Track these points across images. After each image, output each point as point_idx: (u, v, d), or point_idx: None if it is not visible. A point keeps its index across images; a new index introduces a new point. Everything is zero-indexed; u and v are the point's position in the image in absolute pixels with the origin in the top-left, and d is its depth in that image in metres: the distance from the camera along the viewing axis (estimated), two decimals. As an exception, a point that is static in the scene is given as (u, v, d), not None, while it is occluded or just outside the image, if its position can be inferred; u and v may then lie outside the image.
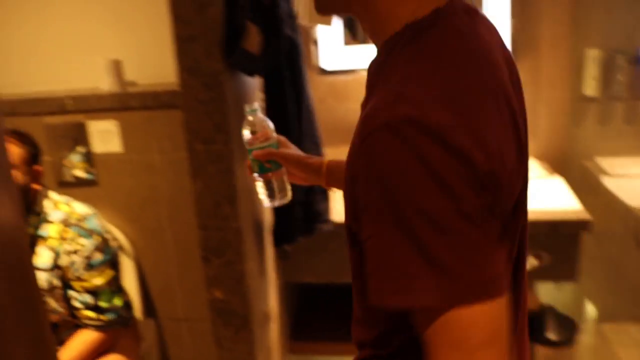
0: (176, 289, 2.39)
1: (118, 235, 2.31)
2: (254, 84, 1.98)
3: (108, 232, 2.07)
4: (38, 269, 1.88)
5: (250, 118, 1.25)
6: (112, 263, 1.98)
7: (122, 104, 2.20)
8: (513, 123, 0.78)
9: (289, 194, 1.29)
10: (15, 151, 1.88)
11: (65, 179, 2.34)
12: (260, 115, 1.27)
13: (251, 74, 1.84)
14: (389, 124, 0.69)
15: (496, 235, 0.72)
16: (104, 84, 2.24)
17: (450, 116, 0.69)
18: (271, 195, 1.27)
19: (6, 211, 0.99)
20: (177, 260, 2.32)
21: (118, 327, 1.98)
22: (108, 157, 2.29)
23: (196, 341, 2.44)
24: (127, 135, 2.24)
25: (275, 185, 1.26)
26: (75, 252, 1.88)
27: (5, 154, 1.03)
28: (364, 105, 0.84)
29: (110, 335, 1.97)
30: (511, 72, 0.85)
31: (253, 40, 1.70)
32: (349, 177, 0.76)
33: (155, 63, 2.22)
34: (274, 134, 1.26)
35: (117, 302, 1.96)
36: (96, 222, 1.96)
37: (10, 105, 2.34)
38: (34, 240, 1.90)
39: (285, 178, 1.27)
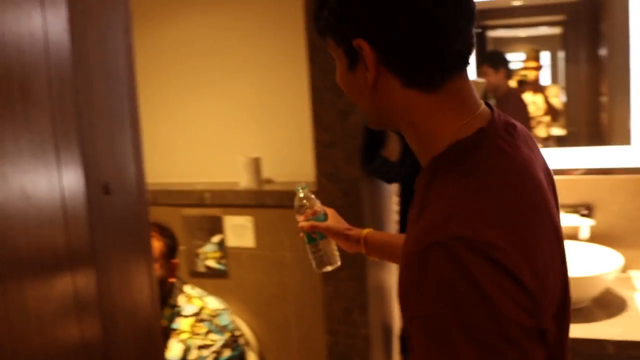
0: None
1: (244, 328, 2.33)
2: (390, 189, 1.97)
3: (238, 329, 2.09)
4: None
5: (300, 195, 1.38)
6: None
7: (258, 201, 2.26)
8: (556, 235, 0.82)
9: (338, 260, 1.39)
10: (155, 245, 1.96)
11: (197, 269, 2.42)
12: (309, 192, 1.40)
13: (389, 181, 1.83)
14: (441, 243, 0.71)
15: (536, 356, 0.73)
16: (242, 180, 2.31)
17: (500, 234, 0.72)
18: (321, 262, 1.37)
19: (145, 299, 1.02)
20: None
21: None
22: (240, 251, 2.34)
23: None
24: (260, 231, 2.29)
25: (322, 253, 1.36)
26: (205, 347, 1.90)
27: (149, 245, 1.06)
28: (414, 218, 0.85)
29: None
30: (549, 180, 0.91)
31: (393, 147, 1.71)
32: (400, 288, 0.79)
33: (293, 162, 2.28)
34: (321, 209, 1.38)
35: None
36: (228, 318, 1.98)
37: (152, 195, 2.46)
38: (167, 332, 1.94)
39: (333, 246, 1.37)
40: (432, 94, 0.83)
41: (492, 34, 2.45)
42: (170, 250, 2.02)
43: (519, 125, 0.91)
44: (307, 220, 1.35)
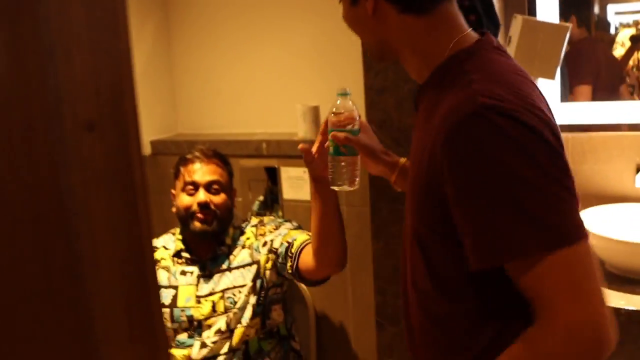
0: (350, 348, 2.27)
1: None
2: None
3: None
4: (233, 268, 1.94)
5: (339, 101, 1.29)
6: None
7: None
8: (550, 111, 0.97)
9: (357, 183, 1.30)
10: (223, 172, 1.97)
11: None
12: (350, 100, 1.30)
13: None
14: (477, 112, 0.85)
15: (574, 193, 0.87)
16: (300, 129, 2.21)
17: (520, 104, 0.86)
18: (339, 179, 1.28)
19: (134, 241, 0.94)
20: (355, 319, 2.20)
21: None
22: (297, 204, 2.26)
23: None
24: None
25: (345, 170, 1.27)
26: (275, 229, 1.94)
27: (143, 184, 0.98)
28: (428, 115, 0.97)
29: None
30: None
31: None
32: (427, 171, 0.92)
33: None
34: (358, 121, 1.29)
35: None
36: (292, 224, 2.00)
37: (212, 145, 2.41)
38: (231, 249, 1.97)
39: (358, 167, 1.29)
40: (425, 17, 0.98)
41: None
42: (232, 179, 2.03)
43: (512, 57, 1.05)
44: (340, 127, 1.28)
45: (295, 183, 2.24)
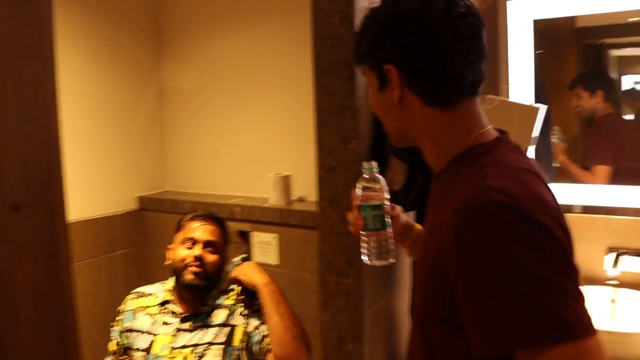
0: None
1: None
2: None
3: None
4: (210, 325, 2.01)
5: (367, 176, 1.30)
6: None
7: (283, 219, 2.26)
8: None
9: (393, 257, 1.29)
10: (220, 236, 2.08)
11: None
12: (378, 174, 1.31)
13: (394, 210, 1.77)
14: (488, 208, 0.87)
15: (580, 290, 0.87)
16: (271, 197, 2.32)
17: (533, 203, 0.88)
18: (382, 252, 1.28)
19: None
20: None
21: None
22: (266, 268, 2.34)
23: None
24: (284, 249, 2.28)
25: (386, 243, 1.28)
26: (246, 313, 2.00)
27: (66, 254, 1.07)
28: (439, 204, 1.01)
29: None
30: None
31: (395, 177, 1.65)
32: (436, 261, 0.94)
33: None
34: (387, 196, 1.30)
35: None
36: None
37: (191, 205, 2.53)
38: (213, 309, 2.04)
39: (392, 241, 1.29)
40: (448, 112, 1.02)
41: (616, 52, 2.24)
42: (227, 244, 2.12)
43: (529, 156, 1.07)
44: (375, 201, 1.28)
45: (265, 247, 2.33)
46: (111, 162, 2.68)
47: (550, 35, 2.26)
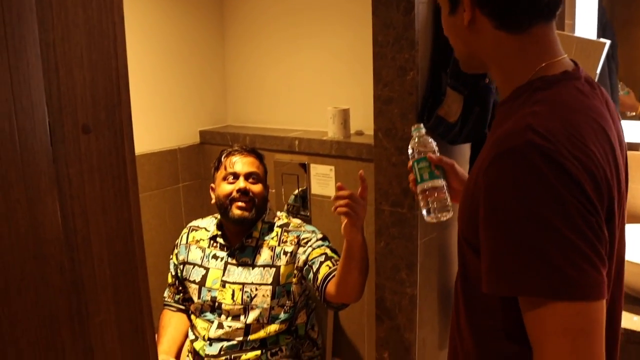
0: (364, 338, 2.40)
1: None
2: (461, 154, 1.90)
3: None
4: (256, 265, 2.11)
5: (416, 136, 1.37)
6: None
7: (341, 152, 2.29)
8: (615, 162, 0.93)
9: (451, 210, 1.33)
10: (260, 166, 2.18)
11: (287, 211, 2.51)
12: (426, 134, 1.37)
13: (451, 142, 1.77)
14: (519, 147, 0.85)
15: (599, 252, 0.85)
16: (330, 130, 2.35)
17: (568, 148, 0.85)
18: (441, 206, 1.31)
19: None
20: (369, 310, 2.33)
21: None
22: (323, 199, 2.40)
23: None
24: (341, 181, 2.32)
25: (438, 198, 1.31)
26: (297, 242, 2.11)
27: (135, 185, 1.13)
28: (492, 134, 0.99)
29: None
30: (620, 149, 1.00)
31: (452, 108, 1.65)
32: (474, 188, 0.93)
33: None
34: (436, 150, 1.37)
35: None
36: (318, 234, 2.14)
37: (252, 138, 2.59)
38: (258, 244, 2.14)
39: (448, 195, 1.33)
40: (519, 36, 0.97)
41: None
42: (266, 175, 2.21)
43: (604, 90, 1.04)
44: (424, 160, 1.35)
45: (322, 179, 2.38)
46: (175, 97, 2.75)
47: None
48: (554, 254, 0.82)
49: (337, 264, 1.93)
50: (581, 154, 0.86)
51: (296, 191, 2.49)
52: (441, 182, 1.33)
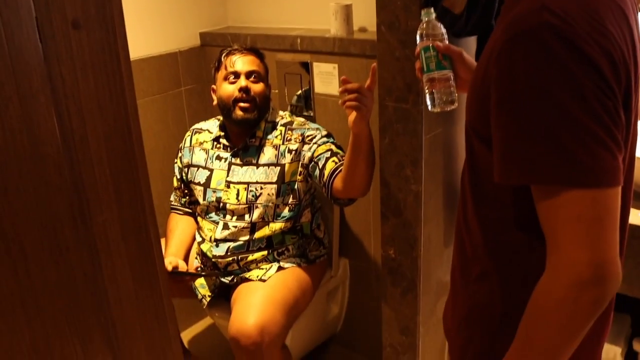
0: (370, 236, 2.43)
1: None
2: (467, 47, 1.84)
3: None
4: (260, 164, 2.11)
5: (425, 20, 1.30)
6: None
7: (344, 49, 2.23)
8: (632, 44, 0.89)
9: (456, 102, 1.30)
10: (260, 65, 2.14)
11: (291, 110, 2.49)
12: (435, 20, 1.31)
13: (456, 35, 1.71)
14: (533, 29, 0.82)
15: (615, 137, 0.83)
16: (332, 27, 2.28)
17: (585, 29, 0.81)
18: (447, 96, 1.28)
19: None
20: (374, 207, 2.35)
21: None
22: (326, 97, 2.36)
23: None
24: (344, 79, 2.28)
25: (444, 87, 1.28)
26: (302, 139, 2.10)
27: (130, 80, 1.11)
28: (502, 19, 0.95)
29: None
30: (638, 26, 0.95)
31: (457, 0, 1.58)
32: (484, 76, 0.90)
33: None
34: (445, 39, 1.31)
35: None
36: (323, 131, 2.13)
37: (253, 38, 2.52)
38: (262, 142, 2.14)
39: (454, 85, 1.29)
40: None
41: None
42: (267, 73, 2.18)
43: None
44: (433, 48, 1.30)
45: (326, 78, 2.33)
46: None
47: None
48: (569, 140, 0.81)
49: (343, 160, 1.92)
50: (599, 34, 0.82)
51: (299, 91, 2.45)
52: (448, 73, 1.29)
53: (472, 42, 1.78)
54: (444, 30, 1.33)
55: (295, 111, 2.46)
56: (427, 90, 1.31)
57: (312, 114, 2.42)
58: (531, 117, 0.83)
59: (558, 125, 0.81)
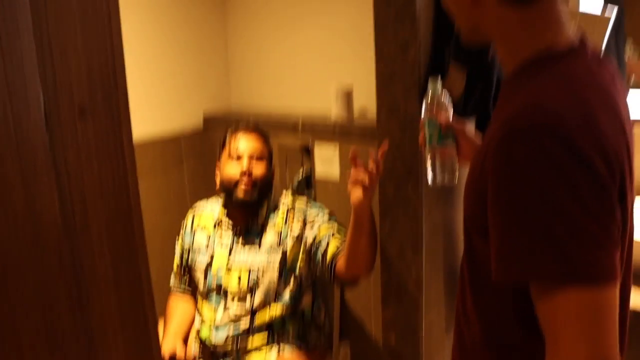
0: (372, 320, 2.39)
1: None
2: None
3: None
4: (262, 248, 2.07)
5: (431, 91, 1.28)
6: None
7: (344, 132, 2.27)
8: (625, 139, 0.90)
9: (457, 175, 1.29)
10: (264, 146, 2.12)
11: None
12: (441, 90, 1.30)
13: (454, 117, 1.75)
14: (528, 129, 0.82)
15: (612, 234, 0.83)
16: (333, 110, 2.32)
17: (579, 127, 0.82)
18: (441, 171, 1.28)
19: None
20: (375, 291, 2.32)
21: None
22: (327, 181, 2.38)
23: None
24: (344, 162, 2.31)
25: (446, 161, 1.26)
26: (304, 221, 2.05)
27: (133, 166, 1.12)
28: (499, 111, 0.97)
29: None
30: (629, 123, 0.96)
31: (454, 82, 1.62)
32: (481, 170, 0.91)
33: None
34: (450, 111, 1.30)
35: None
36: (325, 212, 2.09)
37: (256, 119, 2.57)
38: (264, 226, 2.11)
39: (456, 160, 1.29)
40: (523, 10, 0.93)
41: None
42: (271, 155, 2.16)
43: (612, 64, 1.00)
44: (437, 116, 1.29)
45: (327, 160, 2.36)
46: (177, 79, 2.72)
47: None
48: (566, 238, 0.80)
49: (344, 240, 1.90)
50: (593, 132, 0.83)
51: (301, 172, 2.47)
52: (450, 147, 1.29)
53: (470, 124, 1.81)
54: (448, 102, 1.33)
55: (297, 191, 2.48)
56: (429, 163, 1.30)
57: (313, 196, 2.43)
58: (527, 216, 0.83)
59: (554, 224, 0.81)
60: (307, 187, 2.45)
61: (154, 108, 2.64)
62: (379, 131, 1.72)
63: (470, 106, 1.67)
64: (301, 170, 2.46)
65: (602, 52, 1.82)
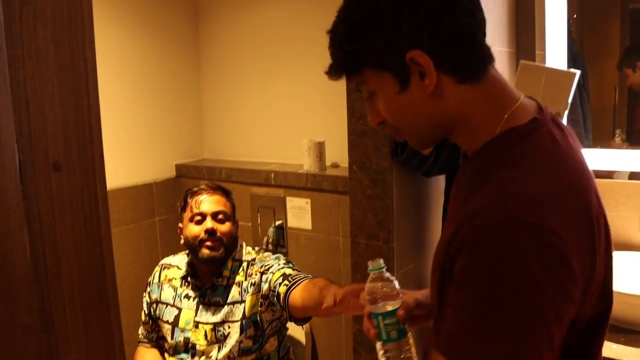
0: (343, 372, 2.38)
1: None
2: (437, 185, 1.92)
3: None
4: (227, 303, 2.07)
5: (376, 275, 1.10)
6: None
7: (316, 185, 2.30)
8: (590, 228, 0.87)
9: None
10: (227, 203, 2.12)
11: (261, 246, 2.50)
12: (387, 273, 1.11)
13: (425, 174, 1.79)
14: (500, 224, 0.80)
15: (553, 342, 0.82)
16: (305, 162, 2.36)
17: (558, 221, 0.80)
18: None
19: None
20: (347, 342, 2.32)
21: None
22: (299, 232, 2.39)
23: None
24: (317, 214, 2.33)
25: (412, 350, 1.10)
26: (262, 271, 2.04)
27: (107, 219, 1.12)
28: (469, 192, 0.91)
29: None
30: (592, 176, 0.95)
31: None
32: (449, 247, 0.87)
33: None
34: (400, 297, 1.11)
35: None
36: (282, 260, 2.08)
37: (228, 172, 2.59)
38: (229, 282, 2.09)
39: (414, 350, 1.11)
40: (480, 84, 0.93)
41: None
42: (234, 210, 2.16)
43: (568, 127, 0.99)
44: (386, 312, 1.09)
45: (299, 212, 2.38)
46: (150, 131, 2.74)
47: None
48: (518, 344, 0.80)
49: (296, 279, 1.88)
50: (567, 220, 0.82)
51: (273, 225, 2.48)
52: (408, 338, 1.12)
53: (441, 180, 1.85)
54: (396, 282, 1.13)
55: (271, 243, 2.48)
56: (400, 354, 1.11)
57: (285, 250, 2.44)
58: (489, 310, 0.82)
59: (509, 330, 0.80)
60: (280, 238, 2.46)
61: (128, 158, 2.65)
62: (350, 184, 1.75)
63: (440, 163, 1.71)
64: (274, 223, 2.47)
65: (569, 105, 1.89)
